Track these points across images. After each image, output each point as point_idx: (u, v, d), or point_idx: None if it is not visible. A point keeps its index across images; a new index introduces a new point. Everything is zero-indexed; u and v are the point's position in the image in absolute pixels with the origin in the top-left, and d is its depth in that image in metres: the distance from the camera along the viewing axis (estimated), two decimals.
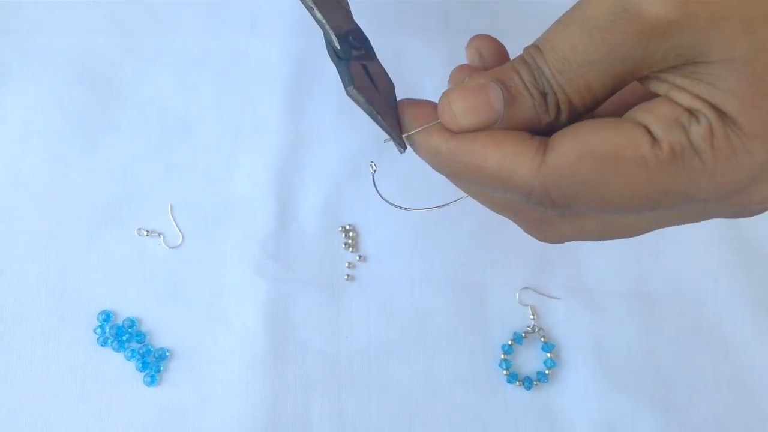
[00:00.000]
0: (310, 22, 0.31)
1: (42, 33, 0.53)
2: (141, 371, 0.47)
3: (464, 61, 0.33)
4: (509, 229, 0.50)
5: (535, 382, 0.48)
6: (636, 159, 0.25)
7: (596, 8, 0.24)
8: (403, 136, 0.29)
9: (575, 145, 0.25)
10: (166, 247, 0.49)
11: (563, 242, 0.31)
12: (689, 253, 0.50)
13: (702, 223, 0.50)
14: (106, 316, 0.48)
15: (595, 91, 0.25)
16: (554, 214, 0.28)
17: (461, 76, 0.29)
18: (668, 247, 0.50)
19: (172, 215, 0.49)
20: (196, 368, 0.48)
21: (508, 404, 0.47)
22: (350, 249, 0.50)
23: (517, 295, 0.49)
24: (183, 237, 0.49)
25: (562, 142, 0.25)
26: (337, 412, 0.47)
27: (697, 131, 0.24)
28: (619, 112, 0.27)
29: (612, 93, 0.26)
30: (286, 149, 0.52)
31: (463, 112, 0.26)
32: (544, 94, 0.26)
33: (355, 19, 0.33)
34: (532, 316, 0.49)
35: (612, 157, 0.25)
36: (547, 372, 0.48)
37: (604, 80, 0.25)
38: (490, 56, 0.30)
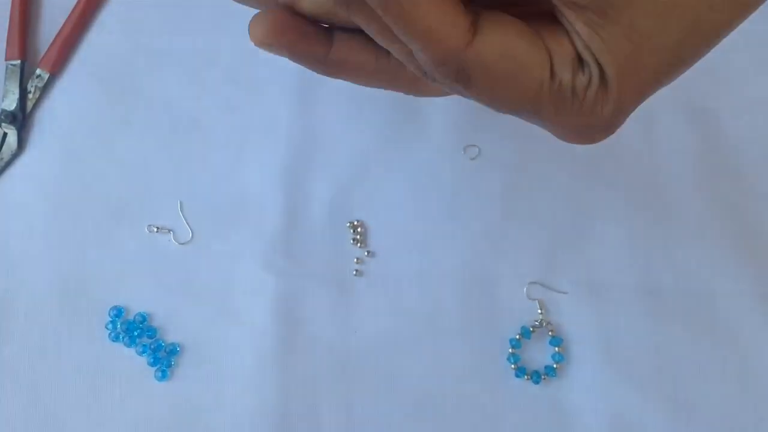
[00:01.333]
0: None
1: None
2: (152, 366, 0.48)
3: None
4: (517, 223, 0.50)
5: (543, 377, 0.48)
6: (537, 79, 0.28)
7: None
8: None
9: (504, 43, 0.28)
10: (176, 244, 0.49)
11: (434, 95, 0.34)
12: (699, 247, 0.50)
13: (711, 217, 0.50)
14: (118, 312, 0.48)
15: None
16: (446, 86, 0.30)
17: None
18: (677, 241, 0.50)
19: (181, 212, 0.50)
20: (206, 363, 0.48)
21: (516, 398, 0.48)
22: (359, 245, 0.50)
23: (525, 289, 0.49)
24: (192, 233, 0.50)
25: (493, 33, 0.28)
26: (345, 406, 0.47)
27: (580, 80, 0.28)
28: None
29: None
30: (294, 145, 0.52)
31: None
32: None
33: None
34: (540, 311, 0.49)
35: (523, 70, 0.28)
36: (555, 366, 0.48)
37: None
38: None
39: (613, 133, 0.31)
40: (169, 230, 0.50)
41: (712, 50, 0.30)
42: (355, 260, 0.50)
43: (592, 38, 0.27)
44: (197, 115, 0.52)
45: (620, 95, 0.28)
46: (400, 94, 0.36)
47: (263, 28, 0.32)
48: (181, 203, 0.50)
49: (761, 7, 0.29)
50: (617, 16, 0.27)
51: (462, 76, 0.28)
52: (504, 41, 0.28)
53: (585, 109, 0.29)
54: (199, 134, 0.52)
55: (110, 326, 0.48)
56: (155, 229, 0.50)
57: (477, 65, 0.28)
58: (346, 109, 0.53)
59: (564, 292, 0.49)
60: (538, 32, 0.29)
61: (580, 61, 0.28)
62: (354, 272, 0.50)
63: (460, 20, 0.27)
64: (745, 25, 0.30)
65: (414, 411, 0.47)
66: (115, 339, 0.48)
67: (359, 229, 0.50)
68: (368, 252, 0.50)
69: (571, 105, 0.29)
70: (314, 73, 0.54)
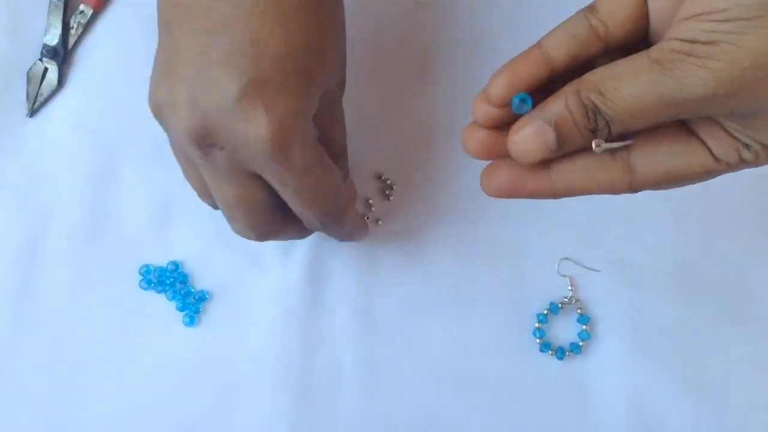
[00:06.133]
0: None
1: None
2: (180, 311, 0.48)
3: None
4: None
5: (567, 353, 0.48)
6: (703, 173, 0.32)
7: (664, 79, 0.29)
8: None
9: (657, 170, 0.32)
10: None
11: None
12: (740, 236, 0.49)
13: (755, 208, 0.49)
14: (147, 269, 0.48)
15: (650, 124, 0.30)
16: None
17: (482, 110, 0.33)
18: (719, 228, 0.49)
19: None
20: (234, 312, 0.49)
21: (538, 372, 0.48)
22: (389, 198, 0.50)
23: (557, 264, 0.49)
24: None
25: (644, 167, 0.32)
26: (368, 366, 0.48)
27: (747, 154, 0.31)
28: None
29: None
30: None
31: (524, 154, 0.31)
32: (593, 131, 0.30)
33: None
34: (570, 287, 0.48)
35: (686, 175, 0.32)
36: (580, 344, 0.48)
37: (662, 120, 0.30)
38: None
39: None
40: None
41: None
42: (379, 222, 0.50)
43: (746, 131, 0.30)
44: None
45: None
46: None
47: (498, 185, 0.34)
48: None
49: None
50: (760, 115, 0.29)
51: (635, 192, 0.33)
52: (659, 166, 0.32)
53: (762, 163, 0.32)
54: None
55: (143, 272, 0.48)
56: None
57: (642, 188, 0.32)
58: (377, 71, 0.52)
59: (596, 270, 0.49)
60: (692, 130, 0.32)
61: (742, 143, 0.31)
62: (379, 225, 0.49)
63: (616, 178, 0.32)
64: None
65: (435, 376, 0.48)
66: (147, 287, 0.48)
67: (388, 182, 0.50)
68: (400, 214, 0.50)
69: (747, 166, 0.32)
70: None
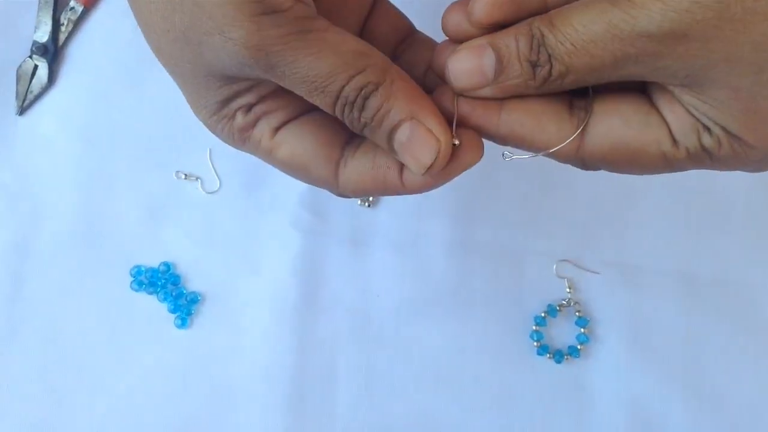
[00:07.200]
0: None
1: None
2: (172, 313, 0.47)
3: None
4: (554, 198, 0.49)
5: (566, 356, 0.47)
6: (658, 153, 0.29)
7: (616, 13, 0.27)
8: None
9: (609, 138, 0.30)
10: (203, 192, 0.49)
11: None
12: (740, 239, 0.48)
13: (756, 211, 0.48)
14: (138, 270, 0.48)
15: (597, 74, 0.28)
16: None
17: (456, 17, 0.31)
18: (720, 230, 0.48)
19: (210, 159, 0.49)
20: (227, 314, 0.48)
21: (536, 376, 0.47)
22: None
23: (555, 266, 0.48)
24: (220, 183, 0.49)
25: (597, 132, 0.30)
26: (364, 368, 0.47)
27: (708, 140, 0.29)
28: None
29: (613, 79, 0.29)
30: None
31: (457, 75, 0.30)
32: (534, 65, 0.29)
33: None
34: (568, 290, 0.48)
35: (639, 151, 0.30)
36: (579, 347, 0.47)
37: (610, 70, 0.28)
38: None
39: None
40: (197, 178, 0.49)
41: None
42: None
43: (703, 106, 0.28)
44: None
45: (758, 141, 0.28)
46: None
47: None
48: (210, 150, 0.49)
49: None
50: (716, 85, 0.27)
51: (587, 167, 0.31)
52: (612, 133, 0.30)
53: (728, 161, 0.29)
54: None
55: (134, 272, 0.47)
56: (183, 176, 0.49)
57: (593, 159, 0.30)
58: None
59: (596, 272, 0.48)
60: (654, 103, 0.30)
61: (702, 124, 0.29)
62: (379, 233, 0.49)
63: (565, 131, 0.30)
64: None
65: (432, 379, 0.47)
66: (138, 287, 0.47)
67: None
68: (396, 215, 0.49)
69: (711, 161, 0.29)
70: None
